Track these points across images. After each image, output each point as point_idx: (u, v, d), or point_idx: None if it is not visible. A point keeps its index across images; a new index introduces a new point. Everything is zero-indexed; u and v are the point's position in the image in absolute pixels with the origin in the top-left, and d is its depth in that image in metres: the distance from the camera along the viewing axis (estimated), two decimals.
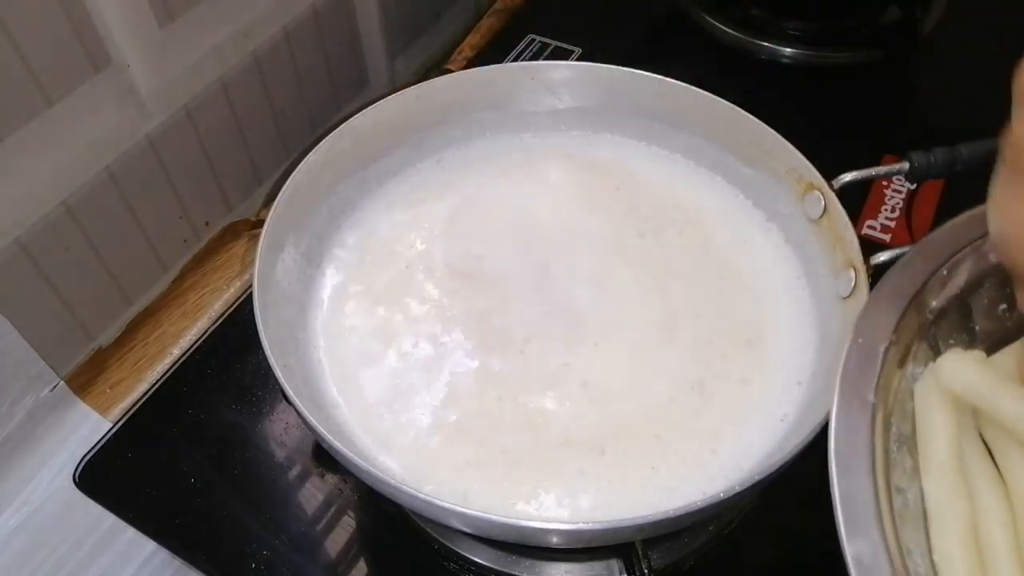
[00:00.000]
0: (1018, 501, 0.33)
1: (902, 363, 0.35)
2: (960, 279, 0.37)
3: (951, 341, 0.37)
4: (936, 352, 0.37)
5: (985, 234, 0.35)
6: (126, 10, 0.50)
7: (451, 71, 0.72)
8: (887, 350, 0.34)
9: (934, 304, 0.36)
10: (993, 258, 0.37)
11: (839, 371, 0.33)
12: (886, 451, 0.32)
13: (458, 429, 0.44)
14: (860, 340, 0.34)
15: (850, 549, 0.29)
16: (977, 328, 0.38)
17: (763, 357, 0.47)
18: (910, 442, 0.34)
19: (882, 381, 0.33)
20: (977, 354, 0.36)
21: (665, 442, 0.43)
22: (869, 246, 0.45)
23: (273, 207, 0.47)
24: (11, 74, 0.45)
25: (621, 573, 0.47)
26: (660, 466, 0.42)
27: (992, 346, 0.38)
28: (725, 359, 0.46)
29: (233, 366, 0.57)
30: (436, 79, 0.55)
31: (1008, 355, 0.36)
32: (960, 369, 0.35)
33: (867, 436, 0.32)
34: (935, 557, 0.32)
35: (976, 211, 0.38)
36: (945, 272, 0.36)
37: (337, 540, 0.50)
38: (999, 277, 0.37)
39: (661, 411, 0.44)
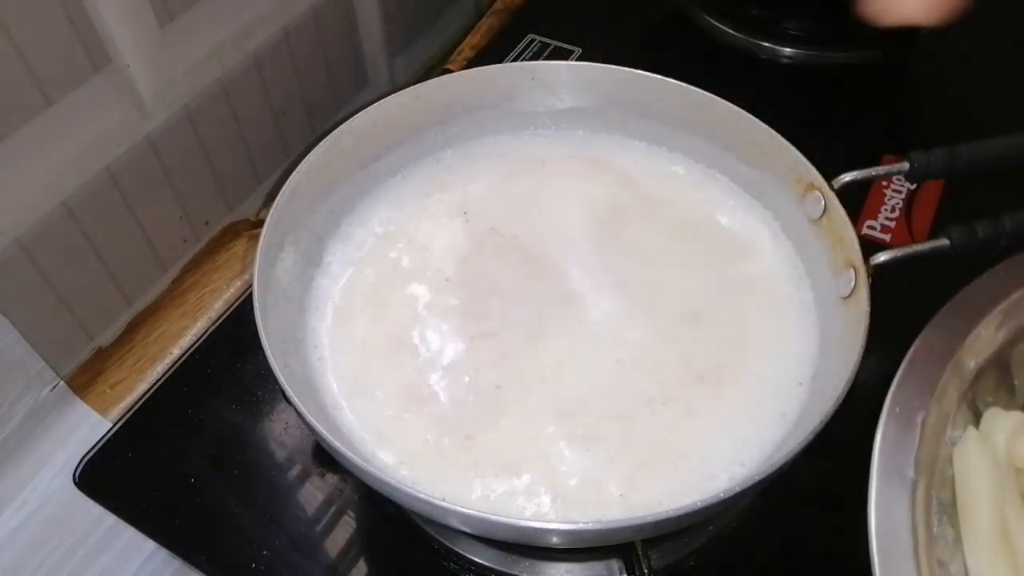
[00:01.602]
0: None
1: (941, 429, 0.33)
2: (999, 336, 0.36)
3: (990, 400, 0.36)
4: (975, 412, 0.35)
5: (1020, 289, 0.34)
6: (126, 10, 0.50)
7: (451, 71, 0.72)
8: (925, 420, 0.33)
9: (972, 365, 0.35)
10: None
11: (876, 445, 0.32)
12: (928, 527, 0.31)
13: (458, 428, 0.44)
14: (897, 410, 0.33)
15: None
16: (1016, 384, 0.37)
17: (763, 357, 0.47)
18: (950, 510, 0.33)
19: (922, 453, 0.32)
20: (1018, 416, 0.35)
21: (664, 441, 0.43)
22: (869, 246, 0.45)
23: (273, 207, 0.47)
24: (11, 74, 0.45)
25: (621, 573, 0.47)
26: (660, 465, 0.42)
27: None
28: (725, 358, 0.46)
29: (233, 366, 0.57)
30: (436, 79, 0.55)
31: None
32: (1001, 431, 0.34)
33: (908, 515, 0.30)
34: None
35: (1006, 263, 0.37)
36: (982, 331, 0.35)
37: (337, 540, 0.50)
38: None
39: (660, 410, 0.44)
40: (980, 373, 0.35)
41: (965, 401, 0.35)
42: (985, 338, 0.35)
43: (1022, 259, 0.37)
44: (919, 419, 0.33)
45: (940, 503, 0.33)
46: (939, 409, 0.33)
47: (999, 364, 0.36)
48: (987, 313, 0.36)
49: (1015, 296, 0.36)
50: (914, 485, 0.31)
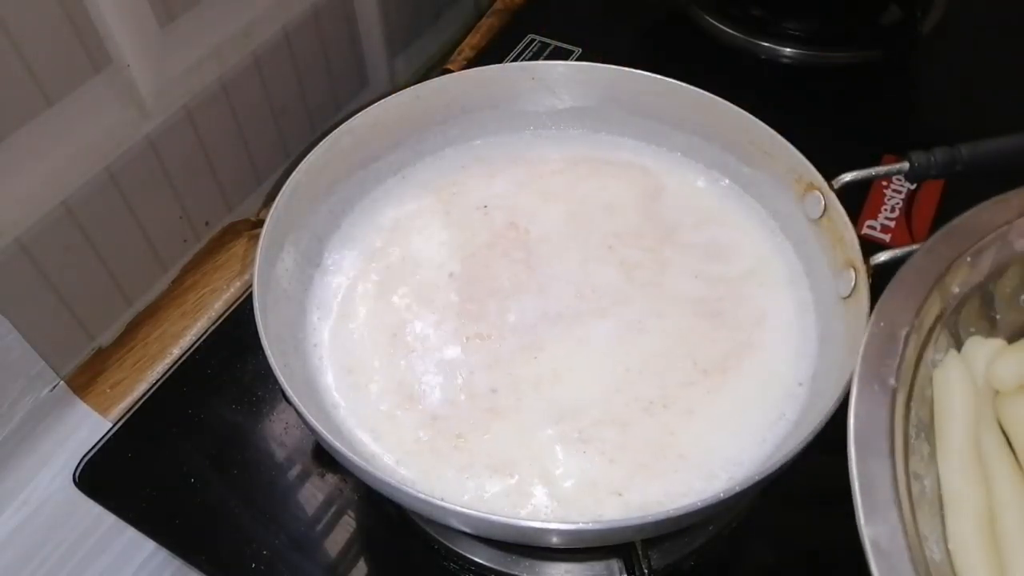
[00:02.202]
0: None
1: (922, 349, 0.34)
2: (983, 266, 0.37)
3: (972, 329, 0.37)
4: (957, 339, 0.36)
5: (1010, 221, 0.35)
6: (126, 10, 0.50)
7: (451, 71, 0.72)
8: (908, 335, 0.34)
9: (956, 291, 0.36)
10: (1018, 246, 0.36)
11: (860, 353, 0.33)
12: (905, 436, 0.32)
13: (459, 428, 0.44)
14: (881, 324, 0.34)
15: (868, 532, 0.29)
16: (998, 317, 0.38)
17: (763, 357, 0.47)
18: (928, 429, 0.34)
19: (903, 365, 0.33)
20: (998, 342, 0.36)
21: (664, 441, 0.43)
22: (869, 246, 0.45)
23: (273, 207, 0.47)
24: (11, 74, 0.45)
25: (621, 573, 0.47)
26: (659, 466, 0.42)
27: (1013, 336, 0.38)
28: (725, 358, 0.46)
29: (233, 366, 0.57)
30: (436, 79, 0.55)
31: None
32: (981, 356, 0.35)
33: (887, 420, 0.31)
34: (950, 545, 0.32)
35: (1001, 198, 0.38)
36: (968, 259, 0.36)
37: (337, 540, 0.50)
38: (1022, 266, 0.37)
39: (659, 412, 0.44)
40: (964, 301, 0.36)
41: (948, 327, 0.36)
42: (971, 267, 0.36)
43: (1013, 197, 0.38)
44: (902, 334, 0.34)
45: (919, 420, 0.33)
46: (922, 328, 0.34)
47: (983, 295, 0.37)
48: (975, 243, 0.36)
49: (1002, 230, 0.37)
50: (894, 393, 0.32)
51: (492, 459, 0.43)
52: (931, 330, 0.35)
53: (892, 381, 0.32)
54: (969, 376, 0.35)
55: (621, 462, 0.43)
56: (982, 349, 0.36)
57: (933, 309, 0.35)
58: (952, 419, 0.34)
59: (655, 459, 0.43)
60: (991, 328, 0.37)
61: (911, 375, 0.33)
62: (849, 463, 0.30)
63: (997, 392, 0.35)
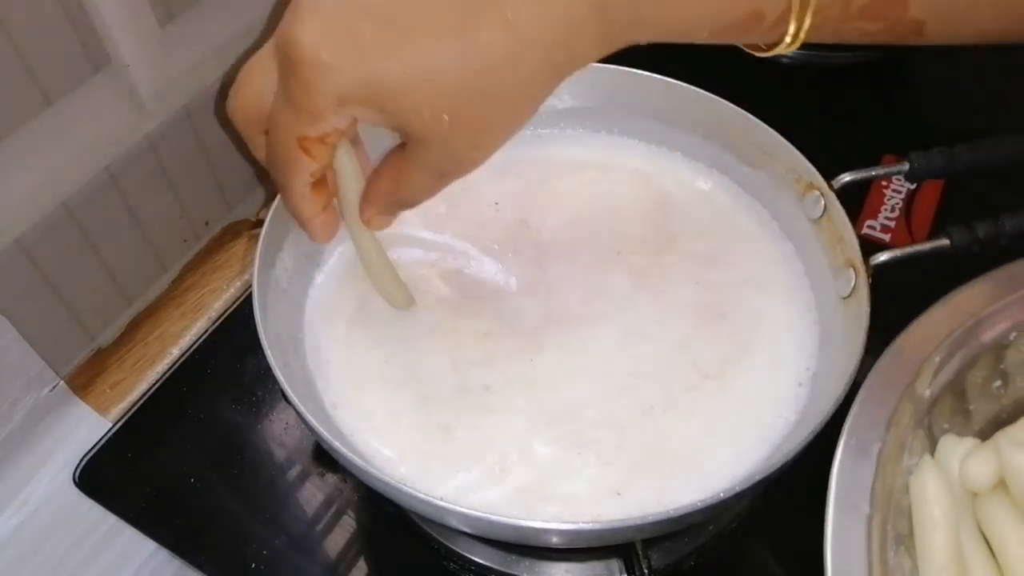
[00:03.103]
0: None
1: (896, 460, 0.34)
2: (954, 362, 0.36)
3: (945, 426, 0.36)
4: (931, 438, 0.36)
5: (975, 313, 0.35)
6: (126, 10, 0.49)
7: None
8: (881, 450, 0.33)
9: (927, 393, 0.35)
10: (986, 338, 0.36)
11: (833, 479, 0.32)
12: (883, 560, 0.31)
13: (459, 428, 0.44)
14: (852, 441, 0.33)
15: None
16: (971, 408, 0.37)
17: (763, 357, 0.47)
18: (907, 541, 0.33)
19: (877, 485, 0.32)
20: (971, 441, 0.36)
21: (664, 440, 0.43)
22: (869, 246, 0.45)
23: (273, 207, 0.47)
24: (11, 74, 0.45)
25: (621, 573, 0.47)
26: (658, 467, 0.42)
27: (987, 426, 0.37)
28: (725, 359, 0.46)
29: (233, 366, 0.57)
30: None
31: (1006, 436, 0.35)
32: (956, 458, 0.35)
33: (864, 550, 0.31)
34: None
35: (961, 291, 0.37)
36: (937, 359, 0.35)
37: (337, 540, 0.50)
38: (993, 355, 0.37)
39: (658, 412, 0.44)
40: (935, 400, 0.36)
41: (922, 428, 0.35)
42: (939, 366, 0.36)
43: (972, 288, 0.38)
44: (874, 450, 0.33)
45: (896, 534, 0.33)
46: (895, 438, 0.34)
47: (954, 391, 0.36)
48: (941, 342, 0.36)
49: (968, 324, 0.36)
50: (869, 519, 0.32)
51: (482, 456, 0.43)
52: (903, 438, 0.34)
53: (866, 507, 0.32)
54: (944, 481, 0.34)
55: (619, 461, 0.43)
56: (956, 450, 0.35)
57: (904, 417, 0.34)
58: (931, 529, 0.33)
59: (653, 460, 0.43)
60: (965, 421, 0.37)
61: (886, 492, 0.33)
62: None
63: (974, 494, 0.35)
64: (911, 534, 0.34)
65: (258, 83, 0.35)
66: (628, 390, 0.45)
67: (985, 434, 0.36)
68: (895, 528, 0.33)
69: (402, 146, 0.36)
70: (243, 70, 0.36)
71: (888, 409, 0.34)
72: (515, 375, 0.46)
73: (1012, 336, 0.37)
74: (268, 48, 0.35)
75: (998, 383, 0.37)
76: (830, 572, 0.30)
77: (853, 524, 0.32)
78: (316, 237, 0.41)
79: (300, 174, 0.37)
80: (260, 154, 0.38)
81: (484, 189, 0.55)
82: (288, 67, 0.32)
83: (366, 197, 0.40)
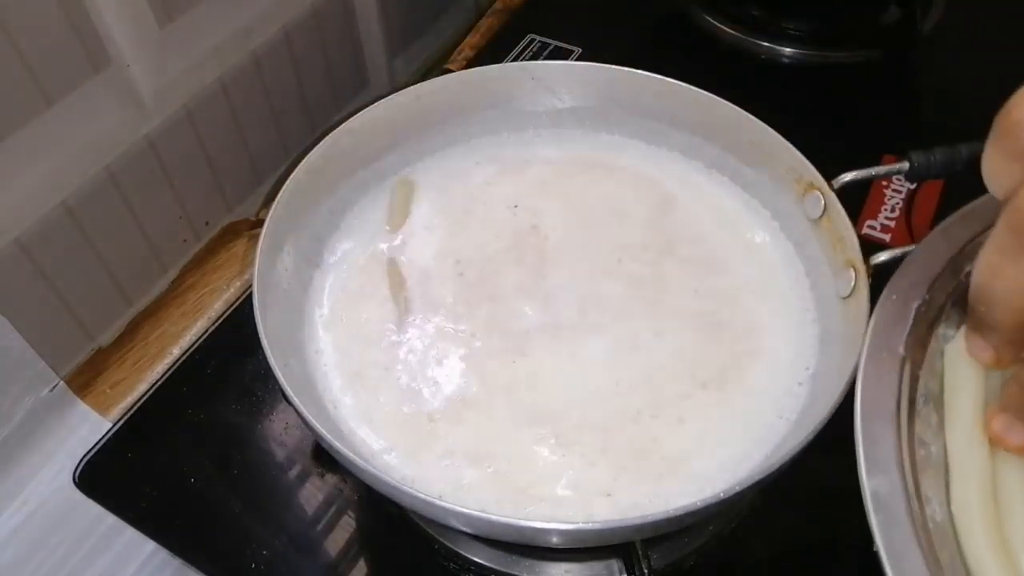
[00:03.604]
0: None
1: (934, 323, 0.35)
2: None
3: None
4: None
5: None
6: (126, 10, 0.50)
7: (451, 71, 0.72)
8: (920, 307, 0.34)
9: (968, 267, 0.36)
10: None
11: (871, 322, 0.34)
12: (912, 402, 0.33)
13: (459, 428, 0.44)
14: (894, 296, 0.34)
15: (869, 484, 0.30)
16: None
17: (763, 357, 0.47)
18: (937, 400, 0.35)
19: (912, 336, 0.34)
20: None
21: (664, 440, 0.43)
22: (869, 246, 0.44)
23: (273, 207, 0.47)
24: (11, 74, 0.45)
25: (621, 573, 0.47)
26: (659, 465, 0.42)
27: None
28: (725, 359, 0.46)
29: (233, 366, 0.57)
30: (436, 79, 0.55)
31: None
32: None
33: (894, 385, 0.32)
34: (953, 507, 0.32)
35: None
36: (981, 240, 0.36)
37: (337, 540, 0.50)
38: None
39: (657, 412, 0.44)
40: None
41: (960, 305, 0.36)
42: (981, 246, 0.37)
43: None
44: (914, 306, 0.35)
45: (928, 390, 0.34)
46: (933, 301, 0.35)
47: None
48: (989, 226, 0.37)
49: None
50: (903, 360, 0.33)
51: (471, 457, 0.43)
52: (943, 306, 0.35)
53: (901, 349, 0.33)
54: None
55: (622, 458, 0.43)
56: None
57: (945, 285, 0.35)
58: (961, 393, 0.34)
59: (652, 459, 0.43)
60: None
61: (921, 346, 0.34)
62: (854, 420, 0.31)
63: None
64: (941, 395, 0.35)
65: None
66: (614, 396, 0.45)
67: None
68: (927, 387, 0.34)
69: None
70: (986, 255, 0.30)
71: (930, 275, 0.35)
72: (502, 378, 0.46)
73: None
74: None
75: None
76: (859, 399, 0.31)
77: (887, 364, 0.33)
78: None
79: None
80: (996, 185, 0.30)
81: (505, 190, 0.55)
82: None
83: None
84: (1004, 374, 0.35)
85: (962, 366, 0.35)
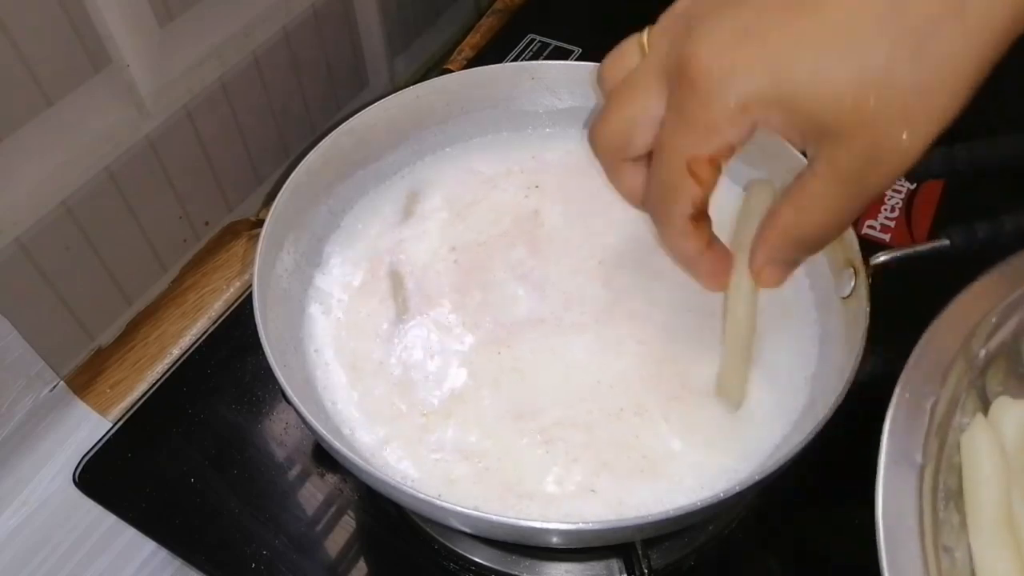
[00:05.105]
0: None
1: (949, 415, 0.34)
2: (1011, 324, 0.36)
3: (999, 389, 0.36)
4: (984, 401, 0.36)
5: None
6: (126, 10, 0.50)
7: (451, 71, 0.72)
8: (935, 405, 0.33)
9: (982, 354, 0.35)
10: None
11: (886, 429, 0.32)
12: (934, 511, 0.31)
13: (459, 428, 0.44)
14: (907, 395, 0.33)
15: None
16: None
17: (764, 356, 0.47)
18: (957, 498, 0.33)
19: (930, 438, 0.32)
20: None
21: (663, 440, 0.43)
22: (869, 246, 0.45)
23: (273, 207, 0.47)
24: (11, 74, 0.45)
25: (621, 573, 0.47)
26: (659, 465, 0.42)
27: None
28: (724, 358, 0.46)
29: (233, 366, 0.57)
30: (436, 79, 0.55)
31: None
32: (1010, 420, 0.35)
33: (915, 499, 0.31)
34: None
35: (1020, 255, 0.37)
36: (994, 319, 0.35)
37: (337, 540, 0.50)
38: None
39: (659, 409, 0.44)
40: (990, 362, 0.36)
41: (975, 389, 0.35)
42: (995, 327, 0.36)
43: None
44: (928, 405, 0.33)
45: (947, 489, 0.33)
46: (948, 395, 0.34)
47: (1009, 354, 0.36)
48: (998, 303, 0.36)
49: None
50: (921, 470, 0.31)
51: (463, 454, 0.43)
52: (956, 396, 0.34)
53: (919, 458, 0.32)
54: (997, 441, 0.34)
55: (622, 458, 0.42)
56: (1010, 411, 0.35)
57: (959, 374, 0.34)
58: (981, 487, 0.33)
59: (651, 459, 0.43)
60: (1020, 386, 0.37)
61: (938, 446, 0.33)
62: (879, 551, 0.30)
63: None
64: (960, 491, 0.33)
65: (632, 109, 0.34)
66: (624, 390, 0.45)
67: None
68: (945, 484, 0.33)
69: (801, 176, 0.32)
70: (612, 97, 0.35)
71: (943, 366, 0.34)
72: (488, 371, 0.46)
73: None
74: (645, 72, 0.33)
75: None
76: (881, 520, 0.30)
77: (905, 474, 0.31)
78: (705, 280, 0.38)
79: (682, 202, 0.33)
80: (621, 186, 0.37)
81: (505, 190, 0.55)
82: (683, 82, 0.31)
83: (760, 238, 0.35)
84: (1021, 458, 0.34)
85: (980, 459, 0.33)
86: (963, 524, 0.33)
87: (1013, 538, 0.32)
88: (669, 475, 0.42)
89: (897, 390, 0.33)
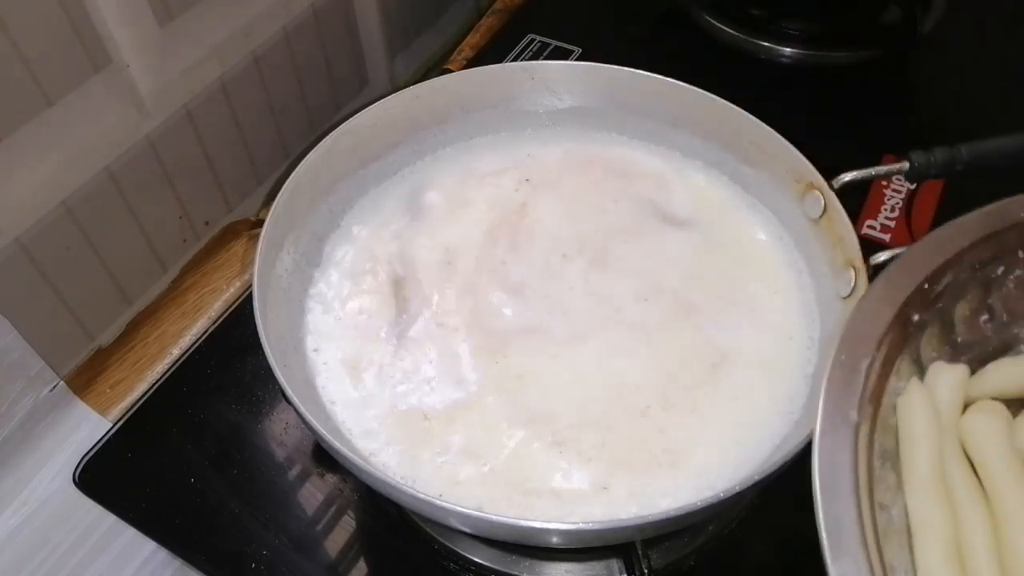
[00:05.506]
0: (1000, 514, 0.33)
1: (885, 378, 0.35)
2: (942, 291, 0.37)
3: (934, 355, 0.37)
4: (919, 366, 0.37)
5: (964, 245, 0.35)
6: (126, 10, 0.50)
7: (451, 71, 0.72)
8: (870, 366, 0.34)
9: (916, 318, 0.36)
10: (974, 269, 0.36)
11: (822, 389, 0.33)
12: (870, 468, 0.32)
13: (459, 428, 0.44)
14: (843, 357, 0.34)
15: (834, 570, 0.29)
16: (959, 340, 0.38)
17: (764, 357, 0.47)
18: (893, 458, 0.34)
19: (865, 398, 0.33)
20: (960, 368, 0.37)
21: (664, 440, 0.43)
22: (869, 246, 0.45)
23: (273, 207, 0.47)
24: (11, 74, 0.45)
25: (621, 573, 0.47)
26: (659, 465, 0.42)
27: (974, 358, 0.38)
28: (725, 358, 0.46)
29: (233, 366, 0.57)
30: (436, 79, 0.55)
31: (993, 372, 0.37)
32: (944, 383, 0.36)
33: (851, 455, 0.32)
34: (919, 575, 0.32)
35: (958, 221, 0.38)
36: (927, 285, 0.36)
37: (337, 540, 0.50)
38: (981, 288, 0.37)
39: (660, 410, 0.44)
40: (924, 327, 0.37)
41: (910, 354, 0.36)
42: (930, 293, 0.37)
43: (967, 220, 0.39)
44: (863, 366, 0.34)
45: (883, 449, 0.34)
46: (882, 358, 0.35)
47: (943, 320, 0.37)
48: (932, 269, 0.37)
49: (958, 253, 0.37)
50: (857, 427, 0.33)
51: (469, 454, 0.43)
52: (892, 359, 0.35)
53: (854, 415, 0.33)
54: (931, 403, 0.35)
55: (622, 458, 0.43)
56: (944, 376, 0.36)
57: (894, 338, 0.35)
58: (916, 447, 0.34)
59: (650, 459, 0.43)
60: (953, 352, 0.38)
61: (874, 406, 0.34)
62: (815, 503, 0.31)
63: (962, 413, 0.36)
64: (897, 451, 0.34)
65: None
66: (625, 391, 0.45)
67: (972, 363, 0.37)
68: (882, 445, 0.34)
69: None
70: None
71: (879, 329, 0.35)
72: (493, 374, 0.46)
73: (999, 271, 0.38)
74: None
75: (985, 317, 0.38)
76: (817, 475, 0.31)
77: (841, 432, 0.32)
78: None
79: None
80: None
81: (505, 190, 0.55)
82: None
83: None
84: (967, 425, 0.35)
85: (915, 420, 0.34)
86: (899, 484, 0.34)
87: (946, 496, 0.33)
88: (681, 478, 0.42)
89: (834, 352, 0.34)
